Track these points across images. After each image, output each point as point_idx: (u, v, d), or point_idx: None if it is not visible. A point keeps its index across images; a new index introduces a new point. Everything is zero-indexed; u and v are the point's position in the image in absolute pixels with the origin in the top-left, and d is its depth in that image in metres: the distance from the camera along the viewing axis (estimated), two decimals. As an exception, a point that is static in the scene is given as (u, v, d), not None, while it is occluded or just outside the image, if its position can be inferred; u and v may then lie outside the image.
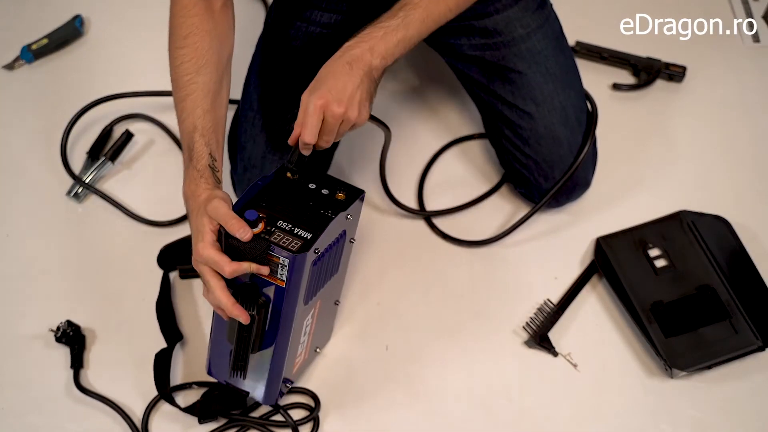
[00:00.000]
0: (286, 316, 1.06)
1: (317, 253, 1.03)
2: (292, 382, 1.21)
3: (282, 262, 1.01)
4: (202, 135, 1.10)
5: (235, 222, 1.00)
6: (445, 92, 1.56)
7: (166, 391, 1.21)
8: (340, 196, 1.08)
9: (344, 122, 1.08)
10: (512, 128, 1.34)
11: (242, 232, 1.00)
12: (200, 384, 1.23)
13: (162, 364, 1.23)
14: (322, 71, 1.09)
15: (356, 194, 1.09)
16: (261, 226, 1.02)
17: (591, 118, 1.36)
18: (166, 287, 1.32)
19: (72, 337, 1.26)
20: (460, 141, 1.51)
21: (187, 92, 1.12)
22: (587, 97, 1.38)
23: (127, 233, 1.39)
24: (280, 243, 1.01)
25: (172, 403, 1.21)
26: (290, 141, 1.10)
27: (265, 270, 1.01)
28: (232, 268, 1.00)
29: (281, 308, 1.05)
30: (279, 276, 1.02)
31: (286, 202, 1.06)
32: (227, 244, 1.01)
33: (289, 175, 1.09)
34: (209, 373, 1.19)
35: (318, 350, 1.25)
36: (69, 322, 1.27)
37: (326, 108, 1.06)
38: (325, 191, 1.08)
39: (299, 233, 1.02)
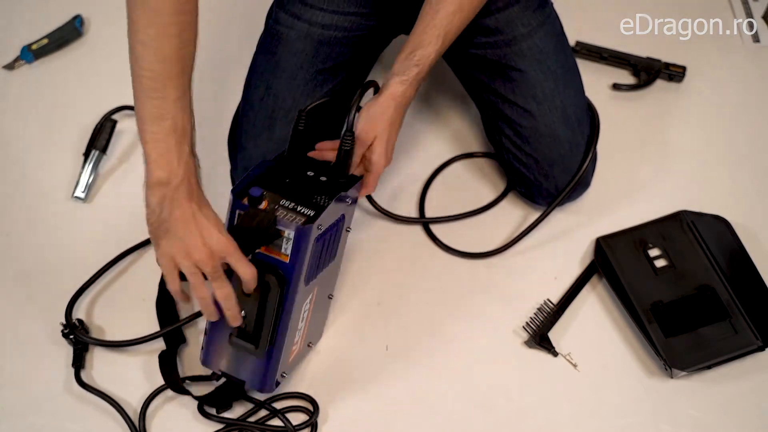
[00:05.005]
0: (290, 293, 1.08)
1: (320, 230, 1.06)
2: (286, 373, 1.21)
3: (287, 235, 1.03)
4: None
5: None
6: (454, 103, 1.56)
7: (179, 384, 1.21)
8: (339, 181, 1.11)
9: None
10: (513, 127, 1.34)
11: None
12: (194, 379, 1.23)
13: (168, 360, 1.23)
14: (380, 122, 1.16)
15: (353, 180, 1.12)
16: (265, 203, 1.04)
17: (593, 126, 1.36)
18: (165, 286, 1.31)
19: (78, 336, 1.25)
20: (466, 157, 1.50)
21: None
22: (589, 105, 1.38)
23: (128, 232, 1.39)
24: (286, 218, 1.03)
25: (187, 393, 1.20)
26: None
27: None
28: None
29: (284, 286, 1.07)
30: (283, 250, 1.04)
31: (287, 185, 1.08)
32: (236, 228, 1.04)
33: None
34: (204, 363, 1.18)
35: (311, 345, 1.25)
36: (80, 321, 1.27)
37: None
38: (323, 178, 1.11)
39: (302, 210, 1.04)
